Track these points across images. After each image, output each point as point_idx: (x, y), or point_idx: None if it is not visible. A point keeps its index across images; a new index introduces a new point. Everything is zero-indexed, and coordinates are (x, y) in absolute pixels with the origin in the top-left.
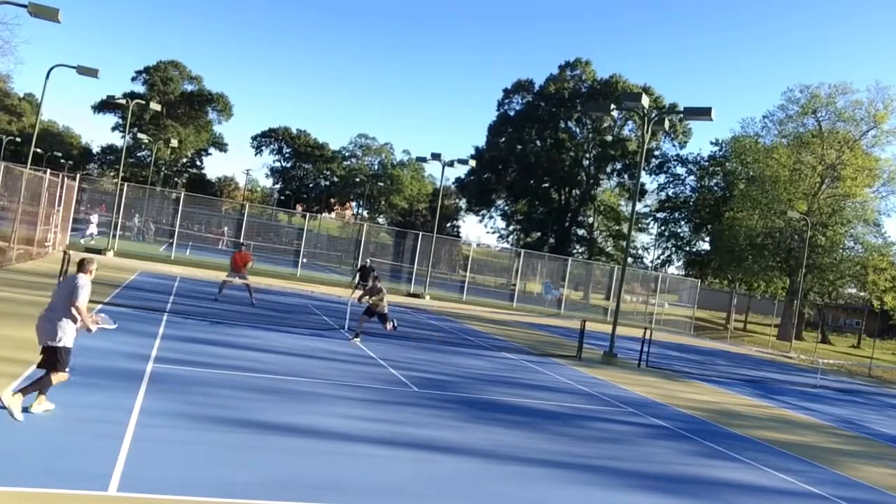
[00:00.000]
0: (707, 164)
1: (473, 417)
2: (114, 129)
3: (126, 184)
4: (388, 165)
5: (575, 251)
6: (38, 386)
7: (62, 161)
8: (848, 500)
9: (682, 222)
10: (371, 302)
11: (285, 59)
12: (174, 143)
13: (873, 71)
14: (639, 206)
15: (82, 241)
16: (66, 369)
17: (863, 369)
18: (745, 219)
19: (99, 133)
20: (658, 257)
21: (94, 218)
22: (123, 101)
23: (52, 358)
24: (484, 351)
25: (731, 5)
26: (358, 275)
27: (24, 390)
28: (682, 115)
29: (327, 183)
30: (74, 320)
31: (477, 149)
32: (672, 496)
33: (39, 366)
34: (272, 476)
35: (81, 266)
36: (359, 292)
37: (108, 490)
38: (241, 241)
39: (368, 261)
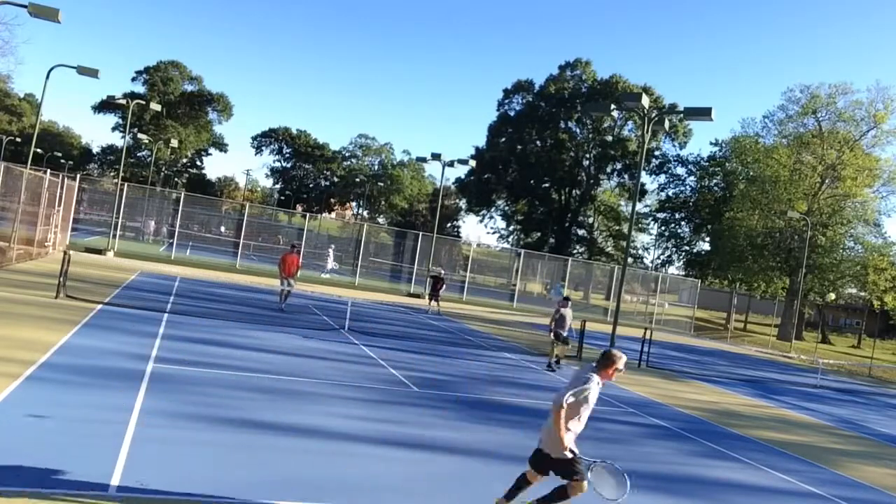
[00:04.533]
0: (707, 164)
1: (473, 417)
2: (114, 129)
3: (126, 184)
4: (388, 165)
5: (575, 251)
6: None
7: (62, 161)
8: (848, 500)
9: (683, 222)
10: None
11: (285, 59)
12: (174, 143)
13: (873, 71)
14: (639, 207)
15: (323, 275)
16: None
17: (863, 369)
18: (745, 219)
19: (99, 133)
20: (658, 257)
21: (331, 253)
22: (123, 102)
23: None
24: (484, 351)
25: (731, 5)
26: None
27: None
28: (682, 115)
29: (327, 183)
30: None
31: (477, 149)
32: (672, 496)
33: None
34: (272, 476)
35: (605, 362)
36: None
37: (108, 490)
38: (293, 242)
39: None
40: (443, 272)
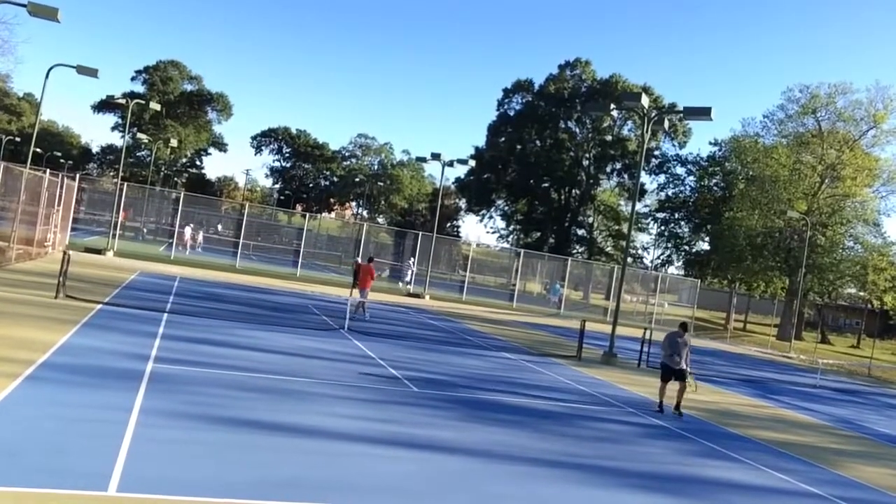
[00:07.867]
0: (707, 164)
1: (473, 417)
2: (113, 128)
3: (126, 184)
4: (387, 165)
5: (575, 251)
6: None
7: (62, 161)
8: (847, 500)
9: (682, 222)
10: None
11: (285, 59)
12: (174, 142)
13: (873, 71)
14: (638, 206)
15: (401, 285)
16: None
17: (862, 369)
18: (745, 219)
19: (99, 133)
20: (658, 257)
21: (412, 264)
22: (123, 101)
23: None
24: (484, 351)
25: (731, 5)
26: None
27: None
28: (681, 115)
29: (327, 183)
30: None
31: (477, 149)
32: (671, 496)
33: None
34: (272, 476)
35: None
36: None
37: (108, 490)
38: (368, 254)
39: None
40: (360, 262)
